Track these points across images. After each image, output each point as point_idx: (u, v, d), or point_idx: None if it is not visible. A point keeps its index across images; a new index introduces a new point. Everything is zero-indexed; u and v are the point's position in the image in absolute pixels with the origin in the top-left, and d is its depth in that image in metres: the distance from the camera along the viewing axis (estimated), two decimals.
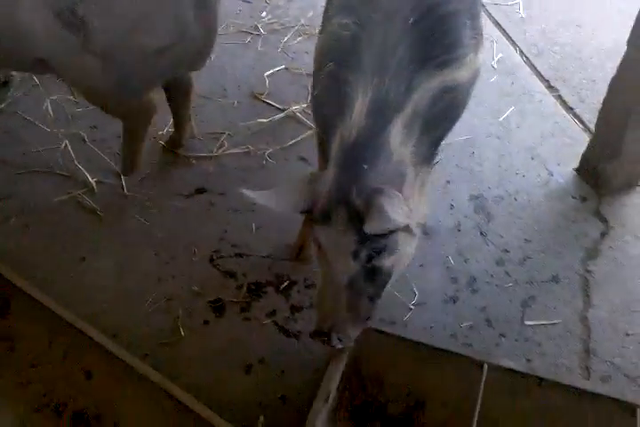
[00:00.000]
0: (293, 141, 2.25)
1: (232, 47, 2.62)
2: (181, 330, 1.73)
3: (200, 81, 2.45)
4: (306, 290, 1.86)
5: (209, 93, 2.43)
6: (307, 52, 2.54)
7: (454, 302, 1.81)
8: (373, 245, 1.27)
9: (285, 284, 1.86)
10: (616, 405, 1.37)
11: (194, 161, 2.20)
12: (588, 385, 1.42)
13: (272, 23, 2.68)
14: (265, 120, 2.33)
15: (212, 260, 1.93)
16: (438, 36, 1.35)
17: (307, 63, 2.49)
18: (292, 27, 2.67)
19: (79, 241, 1.94)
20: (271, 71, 2.51)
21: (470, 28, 1.42)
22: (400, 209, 1.22)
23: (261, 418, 1.39)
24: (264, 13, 2.73)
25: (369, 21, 1.33)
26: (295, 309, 1.81)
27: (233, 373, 1.65)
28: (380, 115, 1.28)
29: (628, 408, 1.36)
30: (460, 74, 1.39)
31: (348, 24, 1.35)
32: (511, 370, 1.43)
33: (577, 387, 1.38)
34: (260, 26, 2.67)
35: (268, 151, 2.22)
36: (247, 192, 1.27)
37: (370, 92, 1.28)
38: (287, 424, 1.51)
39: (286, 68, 2.53)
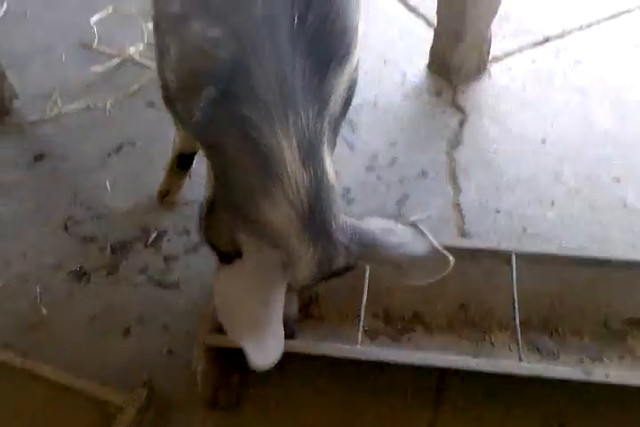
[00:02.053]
0: (136, 86, 2.08)
1: None
2: (42, 309, 1.56)
3: (17, 39, 2.20)
4: (177, 237, 1.72)
5: (30, 51, 2.17)
6: None
7: None
8: None
9: (154, 236, 1.72)
10: (493, 256, 1.40)
11: (27, 127, 1.98)
12: (466, 243, 1.44)
13: None
14: (100, 69, 2.12)
15: (65, 228, 1.75)
16: (331, 26, 1.05)
17: (136, 1, 2.27)
18: None
19: None
20: (98, 16, 2.28)
21: (356, 3, 1.14)
22: None
23: (145, 377, 1.27)
24: None
25: (246, 34, 1.01)
26: (169, 259, 1.67)
27: (110, 340, 1.51)
28: (314, 156, 1.02)
29: (504, 257, 1.39)
30: (357, 56, 1.13)
31: (220, 40, 1.02)
32: None
33: (455, 246, 1.35)
34: None
35: (109, 102, 2.04)
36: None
37: (292, 132, 1.00)
38: (177, 378, 1.41)
39: (114, 11, 2.31)
